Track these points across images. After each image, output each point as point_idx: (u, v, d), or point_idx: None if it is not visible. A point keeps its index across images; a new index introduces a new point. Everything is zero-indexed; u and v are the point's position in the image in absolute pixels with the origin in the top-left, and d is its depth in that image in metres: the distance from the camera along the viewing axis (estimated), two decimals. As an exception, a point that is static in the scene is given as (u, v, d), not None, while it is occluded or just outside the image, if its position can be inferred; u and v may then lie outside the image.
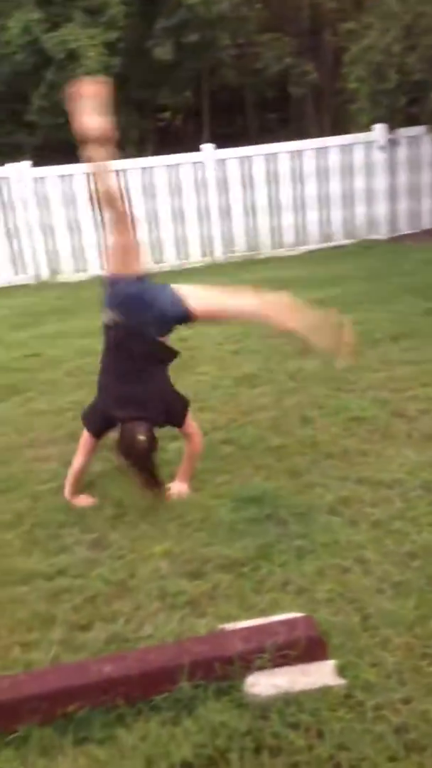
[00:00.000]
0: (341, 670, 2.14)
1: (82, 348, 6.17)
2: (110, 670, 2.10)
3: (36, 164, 10.67)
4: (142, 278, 3.26)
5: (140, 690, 2.07)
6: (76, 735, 2.00)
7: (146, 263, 3.86)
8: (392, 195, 11.72)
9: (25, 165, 10.52)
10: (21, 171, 10.42)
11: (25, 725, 2.01)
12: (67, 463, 3.84)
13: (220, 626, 2.38)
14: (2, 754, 1.96)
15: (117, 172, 10.65)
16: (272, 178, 11.35)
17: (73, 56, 15.55)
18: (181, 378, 5.07)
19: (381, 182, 11.58)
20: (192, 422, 3.49)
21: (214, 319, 3.57)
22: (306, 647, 2.15)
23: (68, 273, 10.72)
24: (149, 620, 2.52)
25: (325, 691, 2.05)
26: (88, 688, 2.06)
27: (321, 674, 2.11)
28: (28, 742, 1.99)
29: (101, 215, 10.16)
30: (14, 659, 2.37)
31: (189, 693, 2.07)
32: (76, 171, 10.57)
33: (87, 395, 4.99)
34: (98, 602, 2.65)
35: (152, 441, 3.14)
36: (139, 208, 10.92)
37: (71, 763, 1.92)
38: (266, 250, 11.53)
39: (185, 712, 2.04)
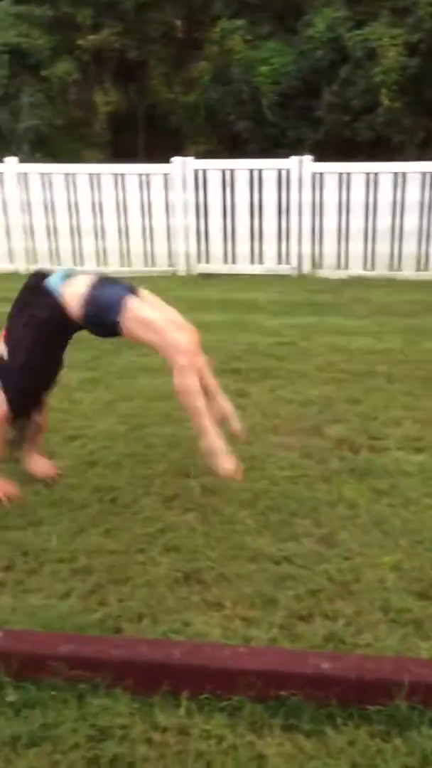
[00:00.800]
0: None
1: (333, 344, 6.18)
2: (328, 668, 2.10)
3: (315, 159, 10.78)
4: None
5: (355, 695, 2.06)
6: (285, 720, 2.03)
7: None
8: None
9: (307, 159, 10.69)
10: (302, 164, 10.61)
11: (238, 696, 2.08)
12: (308, 455, 3.90)
13: (445, 654, 2.29)
14: (215, 717, 2.04)
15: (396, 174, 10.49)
16: None
17: (371, 55, 15.53)
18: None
19: None
20: None
21: (134, 340, 3.36)
22: None
23: (329, 269, 10.77)
24: (369, 629, 2.48)
25: None
26: (304, 678, 2.08)
27: None
28: (239, 712, 2.06)
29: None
30: (234, 631, 2.45)
31: (404, 713, 2.01)
32: (355, 169, 10.57)
33: (334, 391, 5.02)
34: (320, 597, 2.66)
35: None
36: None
37: (277, 746, 1.96)
38: None
39: (397, 730, 1.99)
